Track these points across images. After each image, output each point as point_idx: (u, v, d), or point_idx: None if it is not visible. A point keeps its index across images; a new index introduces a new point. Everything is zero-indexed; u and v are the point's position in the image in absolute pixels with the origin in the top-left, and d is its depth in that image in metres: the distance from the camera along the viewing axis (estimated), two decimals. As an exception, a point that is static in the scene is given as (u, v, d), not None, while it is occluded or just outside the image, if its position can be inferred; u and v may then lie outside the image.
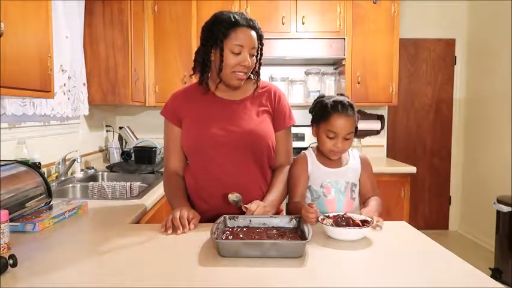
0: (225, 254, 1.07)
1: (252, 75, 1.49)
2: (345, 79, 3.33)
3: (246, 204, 1.35)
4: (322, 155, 1.52)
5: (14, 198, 1.38)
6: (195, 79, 1.51)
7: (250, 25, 1.39)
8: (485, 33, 3.93)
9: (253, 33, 1.39)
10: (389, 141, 4.05)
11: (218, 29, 1.37)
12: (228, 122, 1.44)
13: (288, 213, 1.48)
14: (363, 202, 1.52)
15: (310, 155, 1.54)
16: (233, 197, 1.37)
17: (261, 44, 1.43)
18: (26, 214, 1.43)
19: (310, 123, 1.53)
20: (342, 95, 1.53)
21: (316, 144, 1.54)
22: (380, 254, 1.12)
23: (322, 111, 1.46)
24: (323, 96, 1.53)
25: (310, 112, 1.53)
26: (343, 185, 1.49)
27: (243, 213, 1.33)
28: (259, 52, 1.44)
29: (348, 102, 1.46)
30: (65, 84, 2.38)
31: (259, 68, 1.48)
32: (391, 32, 3.30)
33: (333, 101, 1.45)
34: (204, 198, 1.47)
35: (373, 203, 1.45)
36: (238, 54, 1.37)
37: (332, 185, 1.49)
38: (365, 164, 1.55)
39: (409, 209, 3.12)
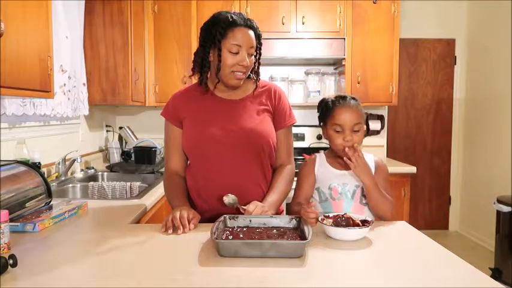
0: (225, 254, 1.07)
1: (251, 74, 1.49)
2: (345, 79, 3.32)
3: (244, 205, 1.35)
4: (333, 156, 1.51)
5: (14, 198, 1.38)
6: (194, 79, 1.51)
7: (248, 25, 1.39)
8: (485, 33, 3.93)
9: (251, 33, 1.39)
10: (389, 141, 4.05)
11: (216, 29, 1.37)
12: (228, 122, 1.44)
13: (290, 213, 1.48)
14: None
15: (320, 157, 1.54)
16: (228, 199, 1.35)
17: (259, 43, 1.43)
18: (26, 214, 1.43)
19: (319, 125, 1.55)
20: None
21: (328, 148, 1.55)
22: (380, 254, 1.12)
23: (326, 109, 1.49)
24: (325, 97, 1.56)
25: (318, 113, 1.55)
26: (351, 189, 1.46)
27: (242, 214, 1.33)
28: (258, 52, 1.44)
29: (350, 96, 1.50)
30: (65, 84, 2.38)
31: (258, 68, 1.48)
32: (391, 32, 3.30)
33: (335, 97, 1.50)
34: (204, 198, 1.47)
35: None
36: (237, 53, 1.37)
37: (339, 187, 1.47)
38: (380, 169, 1.50)
39: (409, 209, 3.12)
